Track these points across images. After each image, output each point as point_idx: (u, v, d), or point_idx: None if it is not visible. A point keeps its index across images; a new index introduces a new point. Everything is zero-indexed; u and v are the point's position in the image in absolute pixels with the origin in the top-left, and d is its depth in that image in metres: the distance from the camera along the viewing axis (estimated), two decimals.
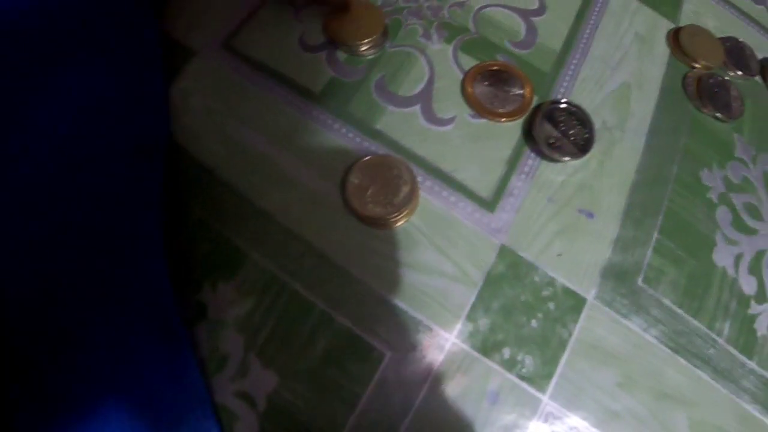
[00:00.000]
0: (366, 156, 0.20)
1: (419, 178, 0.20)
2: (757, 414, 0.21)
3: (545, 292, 0.20)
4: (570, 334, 0.19)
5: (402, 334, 0.19)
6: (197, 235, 0.20)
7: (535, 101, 0.22)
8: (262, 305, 0.20)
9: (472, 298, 0.19)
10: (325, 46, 0.22)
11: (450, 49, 0.23)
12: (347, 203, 0.19)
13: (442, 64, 0.22)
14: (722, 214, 0.23)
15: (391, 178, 0.20)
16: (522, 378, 0.19)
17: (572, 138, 0.21)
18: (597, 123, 0.22)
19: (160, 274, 0.20)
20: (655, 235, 0.21)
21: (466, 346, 0.19)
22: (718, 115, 0.24)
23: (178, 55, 0.22)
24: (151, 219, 0.20)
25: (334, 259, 0.19)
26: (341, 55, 0.22)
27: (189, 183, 0.20)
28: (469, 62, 0.23)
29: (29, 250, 0.18)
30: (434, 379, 0.18)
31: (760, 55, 0.27)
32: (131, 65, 0.22)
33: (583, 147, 0.21)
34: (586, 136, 0.21)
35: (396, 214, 0.19)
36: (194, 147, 0.21)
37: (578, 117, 0.21)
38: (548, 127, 0.21)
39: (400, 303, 0.19)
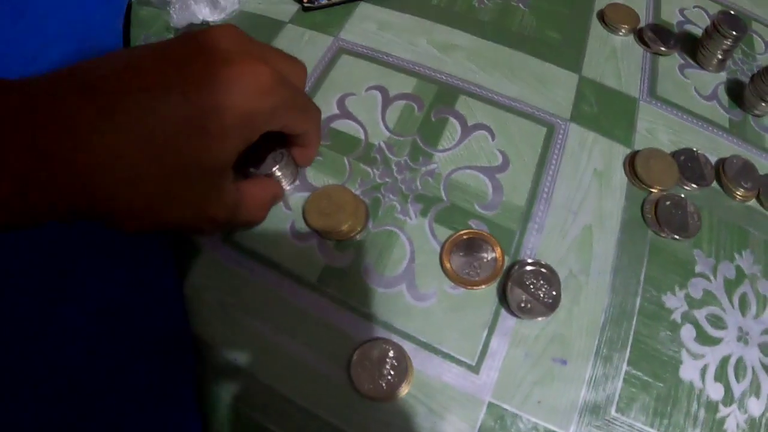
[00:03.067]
0: (364, 340, 0.24)
1: (411, 353, 0.24)
2: None
3: None
4: None
5: None
6: (232, 421, 0.24)
7: (506, 262, 0.25)
8: None
9: None
10: (315, 235, 0.26)
11: (426, 222, 0.26)
12: (353, 383, 0.23)
13: (421, 239, 0.26)
14: (686, 332, 0.25)
15: (386, 359, 0.24)
16: None
17: (541, 298, 0.24)
18: (564, 272, 0.25)
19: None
20: (624, 367, 0.24)
21: None
22: (676, 237, 0.26)
23: (186, 252, 0.26)
24: (186, 415, 0.24)
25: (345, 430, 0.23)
26: (330, 243, 0.26)
27: (215, 374, 0.25)
28: (444, 233, 0.26)
29: None
30: None
31: (714, 158, 0.29)
32: (145, 268, 0.27)
33: (551, 305, 0.24)
34: (554, 293, 0.24)
35: (394, 390, 0.23)
36: (213, 339, 0.25)
37: (545, 277, 0.24)
38: (518, 292, 0.24)
39: None
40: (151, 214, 0.19)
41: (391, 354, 0.24)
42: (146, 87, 0.18)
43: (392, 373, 0.23)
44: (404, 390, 0.23)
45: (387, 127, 0.29)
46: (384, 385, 0.23)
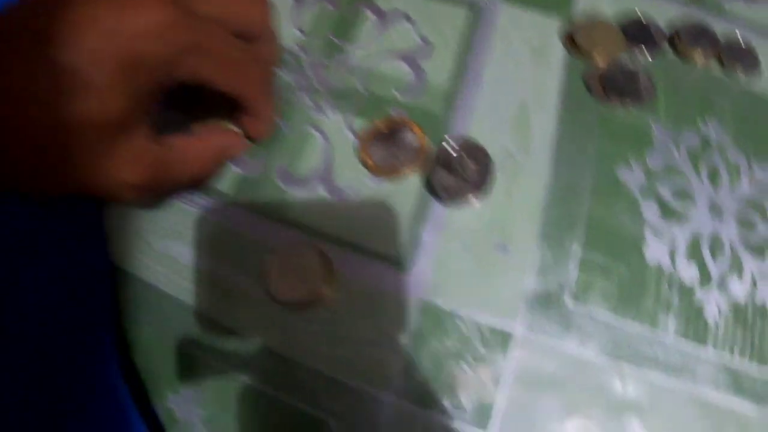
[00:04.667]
0: (279, 245, 0.21)
1: (334, 255, 0.21)
2: (722, 401, 0.21)
3: (472, 335, 0.20)
4: (503, 371, 0.20)
5: (345, 405, 0.20)
6: (152, 347, 0.22)
7: (431, 147, 0.22)
8: (219, 400, 0.21)
9: (403, 359, 0.20)
10: None
11: (342, 117, 0.24)
12: (274, 294, 0.21)
13: (337, 135, 0.23)
14: (648, 207, 0.22)
15: (306, 264, 0.21)
16: (465, 421, 0.20)
17: (470, 179, 0.21)
18: (499, 152, 0.22)
19: (119, 392, 0.22)
20: (578, 249, 0.21)
21: (406, 403, 0.20)
22: (629, 105, 0.23)
23: None
24: (104, 341, 0.22)
25: (272, 346, 0.21)
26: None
27: (136, 302, 0.22)
28: (363, 125, 0.23)
29: None
30: None
31: (665, 23, 0.25)
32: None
33: (483, 186, 0.21)
34: (484, 172, 0.21)
35: (315, 296, 0.20)
36: (132, 266, 0.23)
37: (473, 155, 0.21)
38: (443, 174, 0.21)
39: (339, 376, 0.20)
40: (53, 177, 0.17)
41: (310, 258, 0.21)
42: (21, 33, 0.16)
43: (314, 278, 0.21)
44: (329, 294, 0.21)
45: (300, 30, 0.27)
46: (306, 292, 0.21)
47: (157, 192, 0.20)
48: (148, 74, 0.17)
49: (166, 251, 0.22)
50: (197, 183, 0.22)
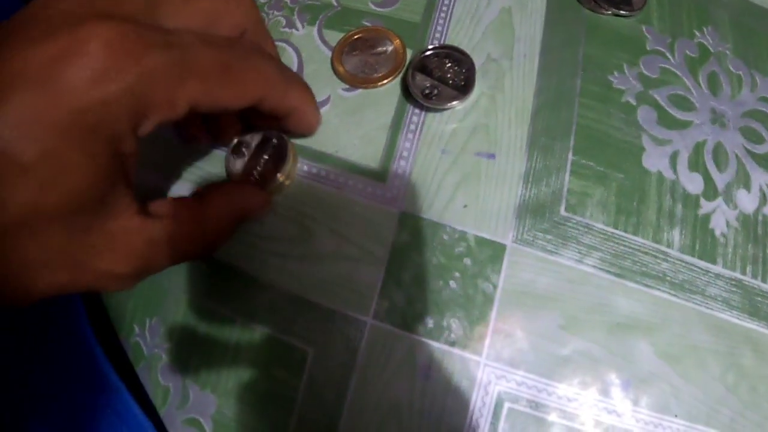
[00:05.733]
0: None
1: (304, 167, 0.19)
2: (734, 320, 0.19)
3: (458, 249, 0.18)
4: (495, 287, 0.18)
5: (319, 329, 0.18)
6: None
7: (409, 55, 0.21)
8: (186, 332, 0.19)
9: (381, 275, 0.18)
10: None
11: (314, 30, 0.22)
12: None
13: (309, 48, 0.21)
14: (645, 114, 0.20)
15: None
16: (452, 344, 0.17)
17: (450, 82, 0.19)
18: (481, 58, 0.21)
19: (83, 332, 0.20)
20: (570, 157, 0.19)
21: (386, 325, 0.18)
22: (620, 11, 0.22)
23: None
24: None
25: (240, 267, 0.19)
26: None
27: None
28: (336, 38, 0.21)
29: None
30: (361, 366, 0.18)
31: None
32: None
33: (464, 87, 0.19)
34: (465, 74, 0.19)
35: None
36: None
37: (453, 58, 0.20)
38: (421, 78, 0.19)
39: (311, 297, 0.18)
40: (14, 288, 0.13)
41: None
42: None
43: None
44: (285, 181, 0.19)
45: None
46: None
47: (158, 270, 0.15)
48: (111, 131, 0.12)
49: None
50: (209, 253, 0.17)
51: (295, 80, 0.18)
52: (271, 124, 0.19)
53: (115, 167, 0.13)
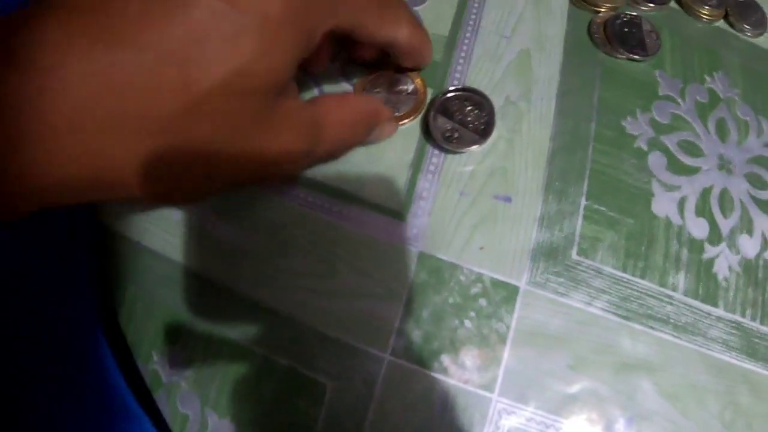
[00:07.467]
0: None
1: (326, 205, 0.20)
2: (733, 361, 0.20)
3: (474, 290, 0.19)
4: (508, 327, 0.19)
5: (339, 363, 0.19)
6: (137, 307, 0.20)
7: (430, 95, 0.21)
8: (207, 361, 0.20)
9: (400, 313, 0.19)
10: None
11: (337, 65, 0.22)
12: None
13: (330, 83, 0.22)
14: (655, 159, 0.21)
15: None
16: (466, 382, 0.18)
17: (470, 126, 0.20)
18: (500, 100, 0.21)
19: (103, 357, 0.21)
20: (583, 201, 0.20)
21: (402, 362, 0.19)
22: (634, 56, 0.22)
23: None
24: (82, 305, 0.20)
25: (265, 303, 0.19)
26: None
27: (122, 261, 0.21)
28: (357, 74, 0.22)
29: None
30: (379, 400, 0.18)
31: None
32: None
33: (483, 131, 0.20)
34: (486, 119, 0.20)
35: None
36: (119, 225, 0.21)
37: (473, 101, 0.20)
38: (442, 120, 0.20)
39: (331, 332, 0.19)
40: (204, 169, 0.13)
41: None
42: None
43: None
44: None
45: None
46: None
47: (308, 162, 0.17)
48: (313, 22, 0.14)
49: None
50: (340, 150, 0.18)
51: (412, 16, 0.18)
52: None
53: (302, 56, 0.14)
